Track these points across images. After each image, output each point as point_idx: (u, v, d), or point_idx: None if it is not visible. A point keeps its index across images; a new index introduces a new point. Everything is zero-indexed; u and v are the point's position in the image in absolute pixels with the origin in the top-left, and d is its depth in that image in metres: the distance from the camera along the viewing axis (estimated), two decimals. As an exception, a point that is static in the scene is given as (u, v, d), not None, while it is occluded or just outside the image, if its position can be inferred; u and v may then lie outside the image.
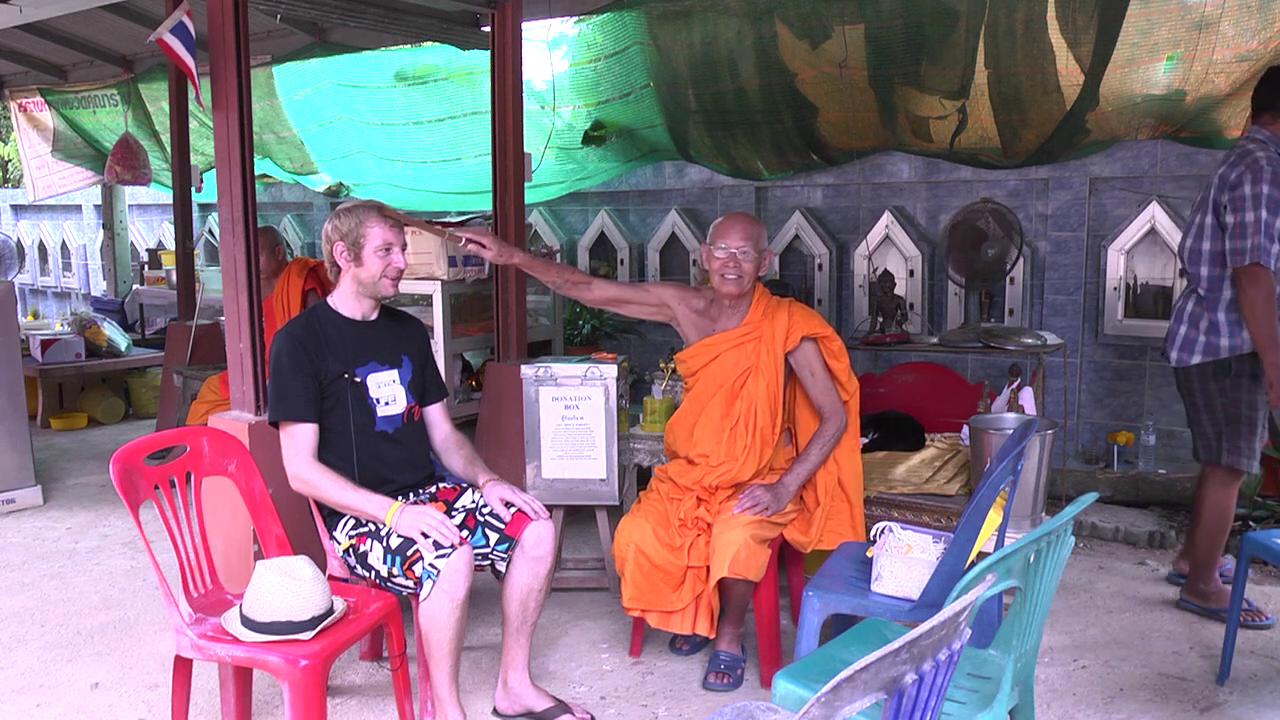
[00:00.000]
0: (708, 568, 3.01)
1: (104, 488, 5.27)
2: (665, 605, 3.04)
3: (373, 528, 2.73)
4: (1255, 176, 3.11)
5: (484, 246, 3.15)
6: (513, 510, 2.83)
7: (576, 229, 6.38)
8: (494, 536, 2.83)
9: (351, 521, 2.78)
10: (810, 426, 3.25)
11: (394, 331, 2.96)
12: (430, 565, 2.55)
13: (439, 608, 2.55)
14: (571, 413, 3.58)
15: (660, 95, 5.15)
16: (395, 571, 2.66)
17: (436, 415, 3.05)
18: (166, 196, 7.33)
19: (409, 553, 2.61)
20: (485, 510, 2.87)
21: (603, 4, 4.84)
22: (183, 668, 2.52)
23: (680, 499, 3.16)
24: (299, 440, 2.74)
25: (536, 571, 2.80)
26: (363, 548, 2.73)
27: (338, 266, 2.87)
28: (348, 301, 2.89)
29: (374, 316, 2.93)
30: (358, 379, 2.82)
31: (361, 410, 2.81)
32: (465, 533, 2.84)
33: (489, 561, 2.85)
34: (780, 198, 5.56)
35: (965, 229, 4.58)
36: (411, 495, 2.91)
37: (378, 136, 6.27)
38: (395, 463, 2.87)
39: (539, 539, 2.79)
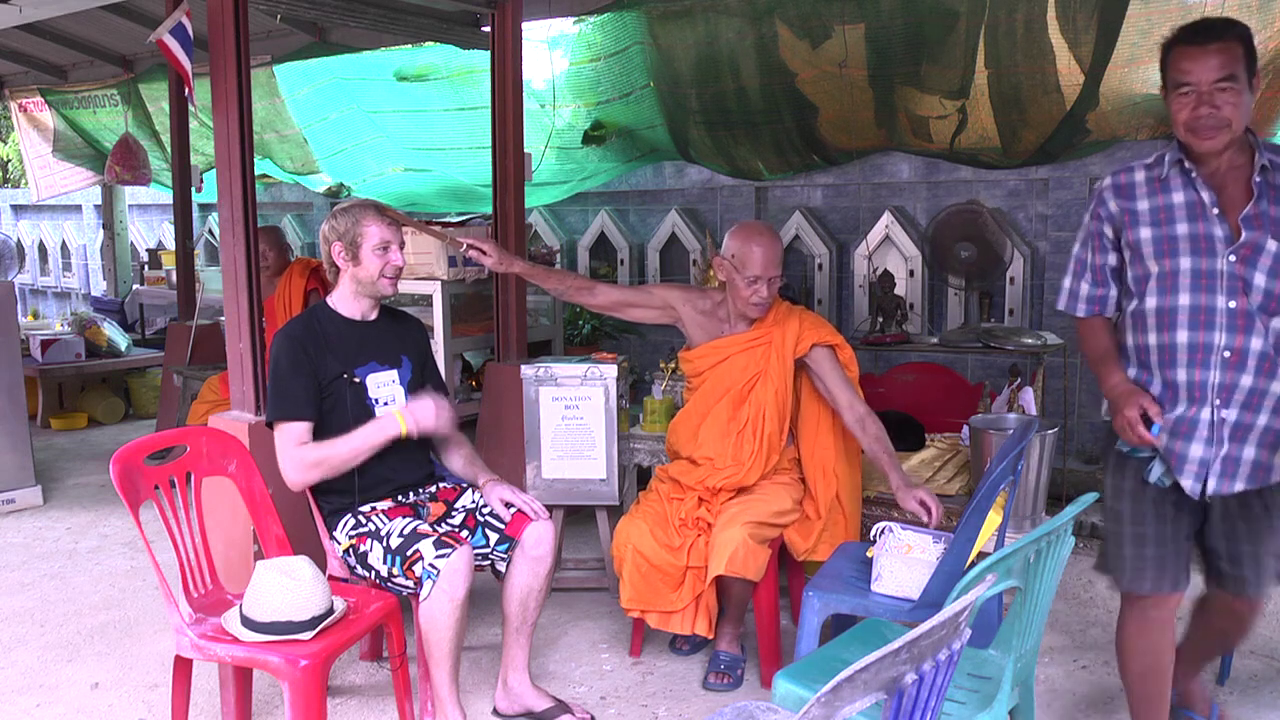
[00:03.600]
0: (708, 568, 3.01)
1: (104, 488, 5.27)
2: (664, 605, 3.04)
3: (372, 527, 2.73)
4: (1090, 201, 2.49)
5: (484, 253, 3.15)
6: (513, 510, 2.83)
7: (576, 229, 6.38)
8: (494, 536, 2.83)
9: (351, 521, 2.78)
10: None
11: (393, 331, 2.96)
12: (430, 565, 2.55)
13: (439, 608, 2.55)
14: (571, 413, 3.58)
15: (660, 95, 5.15)
16: (395, 571, 2.66)
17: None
18: (166, 196, 7.33)
19: (409, 553, 2.61)
20: (485, 510, 2.87)
21: (603, 4, 4.84)
22: (183, 668, 2.52)
23: (682, 499, 3.16)
24: (295, 436, 2.73)
25: (536, 571, 2.81)
26: (363, 548, 2.72)
27: (336, 267, 2.87)
28: (347, 301, 2.89)
29: (373, 316, 2.93)
30: (357, 379, 2.82)
31: (360, 410, 2.81)
32: (465, 533, 2.85)
33: (489, 561, 2.86)
34: (780, 198, 5.56)
35: (948, 228, 4.59)
36: (411, 494, 2.91)
37: (388, 123, 6.24)
38: (394, 462, 2.87)
39: (539, 539, 2.79)
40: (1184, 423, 2.28)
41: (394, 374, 2.90)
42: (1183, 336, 2.28)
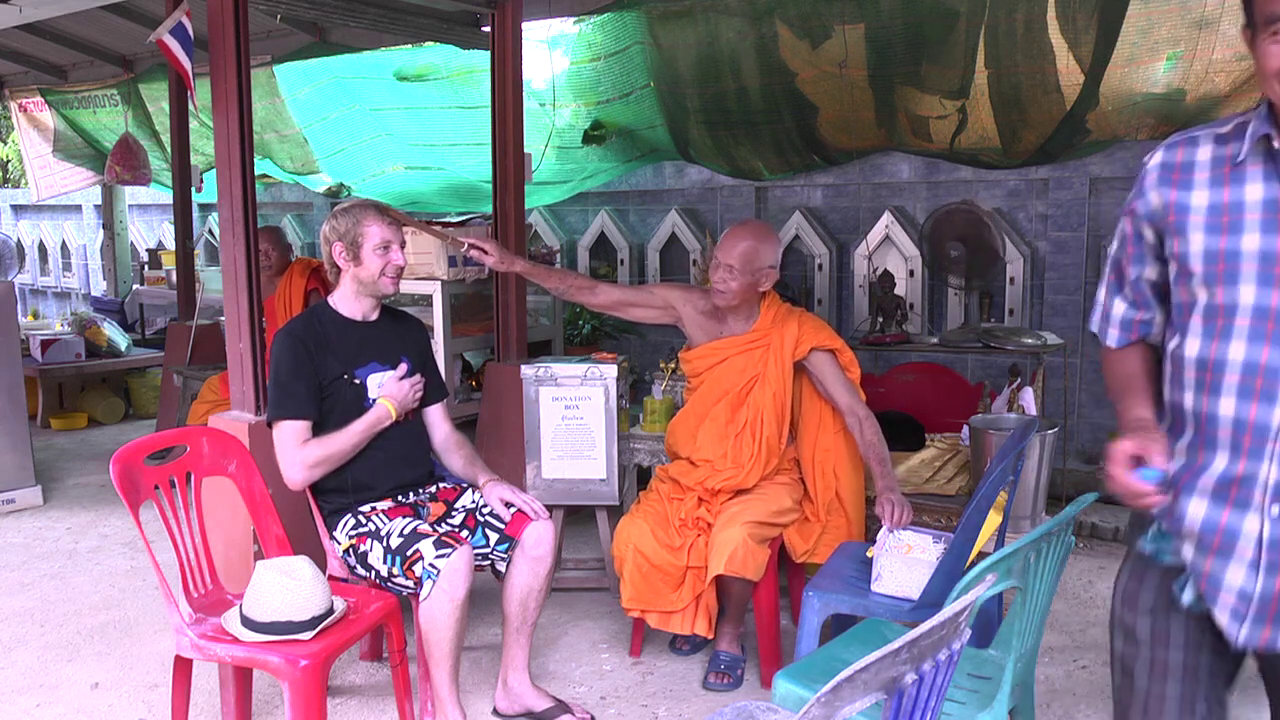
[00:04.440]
0: (708, 568, 3.01)
1: (104, 488, 5.27)
2: (665, 605, 3.04)
3: (372, 527, 2.73)
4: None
5: (486, 253, 3.16)
6: (513, 510, 2.83)
7: (576, 229, 6.38)
8: (494, 536, 2.83)
9: (351, 521, 2.78)
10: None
11: (394, 332, 2.96)
12: (430, 565, 2.55)
13: (439, 608, 2.55)
14: (571, 413, 3.58)
15: (660, 95, 5.15)
16: (395, 571, 2.66)
17: (436, 416, 3.04)
18: (166, 196, 7.33)
19: (409, 552, 2.61)
20: (485, 510, 2.87)
21: (603, 4, 4.84)
22: (183, 668, 2.52)
23: (682, 499, 3.16)
24: (296, 435, 2.73)
25: (536, 571, 2.81)
26: (363, 548, 2.72)
27: (337, 267, 2.87)
28: (348, 301, 2.89)
29: (374, 316, 2.93)
30: (357, 380, 2.82)
31: (360, 411, 2.81)
32: (465, 533, 2.85)
33: (489, 561, 2.86)
34: (780, 198, 5.56)
35: (942, 227, 4.59)
36: (411, 494, 2.91)
37: (393, 120, 6.24)
38: (393, 462, 2.87)
39: (539, 539, 2.79)
40: (1216, 531, 1.53)
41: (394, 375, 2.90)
42: (1227, 406, 1.51)
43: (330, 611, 2.45)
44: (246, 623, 2.40)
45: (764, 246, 3.11)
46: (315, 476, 2.75)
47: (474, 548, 2.79)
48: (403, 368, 2.88)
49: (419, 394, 2.91)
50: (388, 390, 2.83)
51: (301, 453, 2.72)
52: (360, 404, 2.82)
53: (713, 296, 3.15)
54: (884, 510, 2.87)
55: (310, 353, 2.76)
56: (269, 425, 2.80)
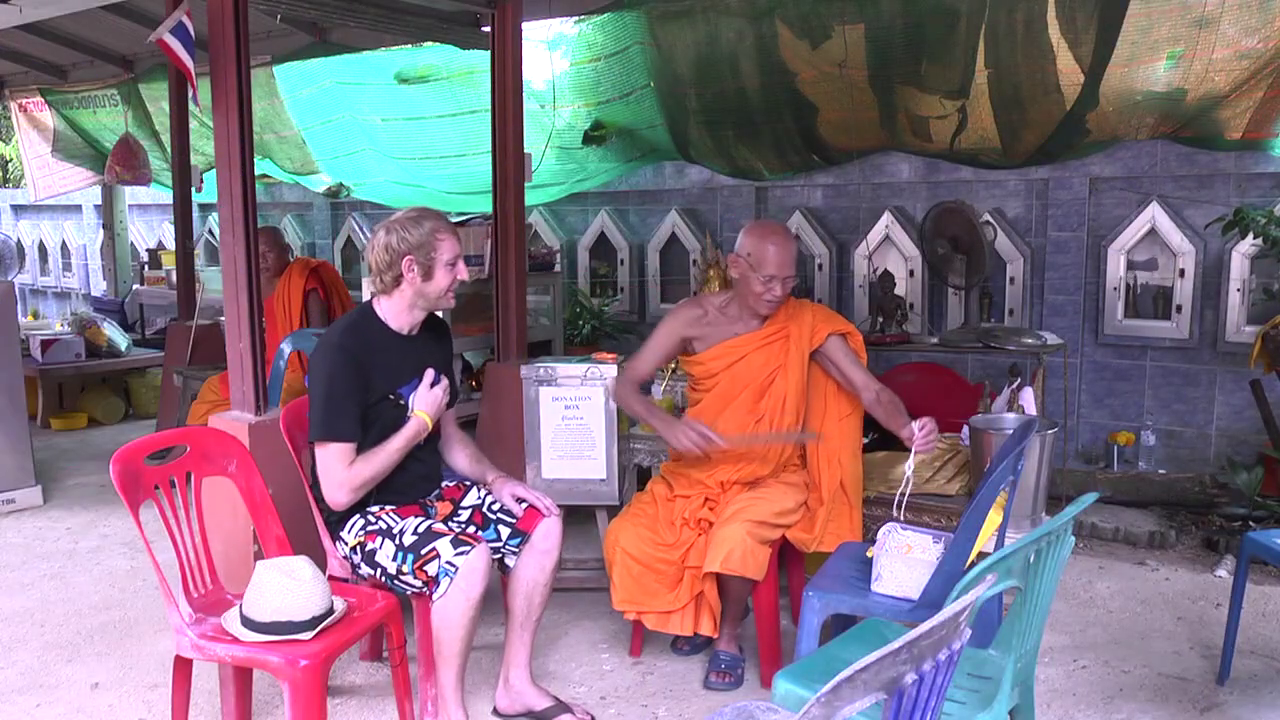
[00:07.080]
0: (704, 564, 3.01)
1: (104, 488, 5.27)
2: (660, 605, 3.04)
3: (383, 525, 2.71)
4: None
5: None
6: (524, 506, 2.84)
7: (576, 229, 6.38)
8: (506, 531, 2.83)
9: (360, 521, 2.75)
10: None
11: (431, 346, 2.89)
12: (448, 563, 2.53)
13: (455, 606, 2.54)
14: (571, 413, 3.58)
15: (660, 95, 5.16)
16: (405, 569, 2.62)
17: (446, 417, 3.03)
18: (166, 196, 7.33)
19: (424, 550, 2.58)
20: (495, 506, 2.87)
21: (603, 4, 4.85)
22: (183, 668, 2.52)
23: (688, 497, 3.16)
24: (344, 456, 2.65)
25: (543, 565, 2.81)
26: (371, 545, 2.69)
27: (398, 278, 2.71)
28: (400, 314, 2.77)
29: (418, 331, 2.83)
30: (402, 400, 2.76)
31: (398, 428, 2.74)
32: (474, 529, 2.85)
33: (499, 555, 2.85)
34: (780, 198, 5.56)
35: (935, 226, 4.59)
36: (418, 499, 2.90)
37: (380, 133, 6.27)
38: (415, 479, 2.84)
39: (547, 533, 2.81)
40: None
41: None
42: None
43: (330, 611, 2.45)
44: (246, 623, 2.40)
45: (795, 243, 3.19)
46: (359, 498, 2.69)
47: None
48: (429, 375, 2.80)
49: (448, 397, 2.86)
50: (422, 402, 2.76)
51: (348, 474, 2.64)
52: (400, 422, 2.75)
53: (758, 309, 3.13)
54: (916, 428, 2.88)
55: (363, 372, 2.66)
56: (312, 443, 2.69)
